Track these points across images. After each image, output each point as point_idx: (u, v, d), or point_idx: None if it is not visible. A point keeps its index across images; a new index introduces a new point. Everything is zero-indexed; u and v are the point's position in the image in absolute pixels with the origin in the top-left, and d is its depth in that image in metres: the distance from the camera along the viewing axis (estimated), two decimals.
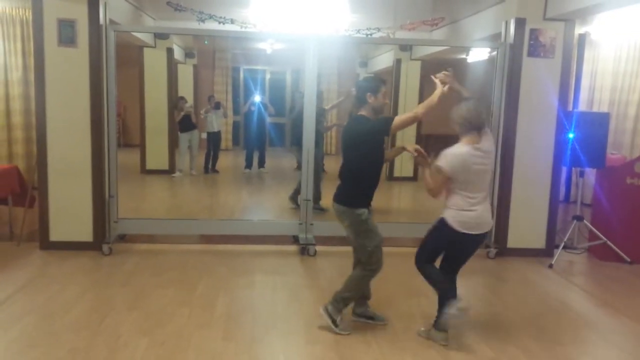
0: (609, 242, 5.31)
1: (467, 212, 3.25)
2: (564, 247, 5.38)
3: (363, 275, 3.51)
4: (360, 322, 3.64)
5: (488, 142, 3.31)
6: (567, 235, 5.46)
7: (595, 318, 4.00)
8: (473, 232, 3.27)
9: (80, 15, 4.83)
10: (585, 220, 5.53)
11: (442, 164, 3.21)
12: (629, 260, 5.26)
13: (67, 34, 4.85)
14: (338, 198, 3.47)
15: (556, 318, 3.95)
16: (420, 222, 5.57)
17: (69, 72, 4.89)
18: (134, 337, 3.34)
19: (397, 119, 3.32)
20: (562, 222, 6.07)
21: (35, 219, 5.23)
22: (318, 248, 5.25)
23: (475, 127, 3.24)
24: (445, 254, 3.50)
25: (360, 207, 3.41)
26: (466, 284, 4.61)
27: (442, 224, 3.32)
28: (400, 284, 4.43)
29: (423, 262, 3.47)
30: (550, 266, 5.10)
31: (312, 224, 5.37)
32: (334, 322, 3.48)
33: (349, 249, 5.35)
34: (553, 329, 3.74)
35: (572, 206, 7.13)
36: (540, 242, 5.42)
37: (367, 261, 3.47)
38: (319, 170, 6.98)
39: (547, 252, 5.37)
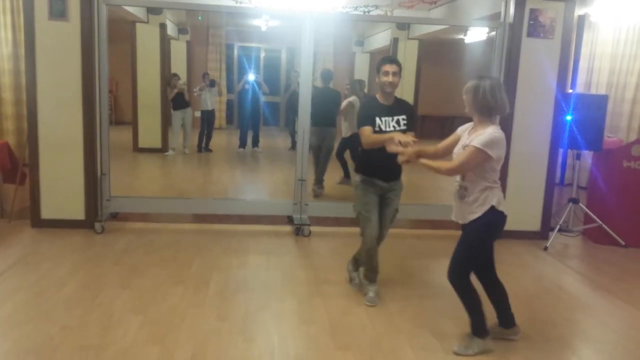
0: (604, 226, 5.31)
1: None
2: (560, 230, 5.38)
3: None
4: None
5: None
6: (563, 218, 5.46)
7: (589, 301, 4.01)
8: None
9: None
10: (580, 203, 5.53)
11: None
12: (623, 243, 5.27)
13: (57, 7, 4.73)
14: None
15: (550, 300, 3.95)
16: (415, 203, 5.57)
17: (60, 46, 4.78)
18: (127, 315, 3.32)
19: (361, 131, 3.53)
20: (558, 204, 6.07)
21: (26, 196, 5.16)
22: (312, 228, 5.22)
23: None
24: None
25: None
26: None
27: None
28: (396, 266, 4.42)
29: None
30: (546, 249, 5.11)
31: (306, 204, 5.34)
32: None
33: (344, 229, 5.41)
34: (547, 311, 3.75)
35: (567, 189, 7.13)
36: (535, 225, 5.42)
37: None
38: (330, 152, 6.95)
39: (542, 234, 5.37)
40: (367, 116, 3.55)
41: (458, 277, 3.04)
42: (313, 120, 5.46)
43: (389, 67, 3.51)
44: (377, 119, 3.55)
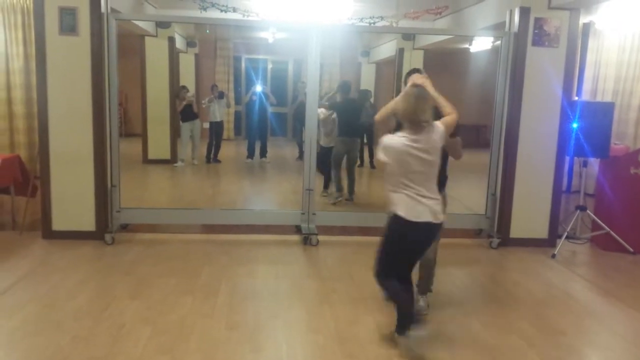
0: (612, 232, 5.29)
1: None
2: (567, 237, 5.38)
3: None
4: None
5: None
6: (570, 225, 5.45)
7: (598, 308, 3.99)
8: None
9: (81, 3, 4.79)
10: (588, 210, 5.52)
11: None
12: (632, 250, 5.25)
13: (68, 23, 4.82)
14: None
15: (559, 308, 3.95)
16: None
17: (71, 60, 4.86)
18: (137, 326, 3.35)
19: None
20: (565, 212, 6.06)
21: (37, 208, 5.23)
22: (320, 238, 5.24)
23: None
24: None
25: None
26: (469, 273, 4.62)
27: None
28: None
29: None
30: (553, 256, 5.09)
31: (314, 214, 5.37)
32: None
33: (351, 238, 5.43)
34: (555, 318, 3.74)
35: (574, 196, 7.10)
36: (543, 232, 5.41)
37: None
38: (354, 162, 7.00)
39: (550, 242, 5.36)
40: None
41: (376, 275, 3.18)
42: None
43: (414, 78, 3.48)
44: None
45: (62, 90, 4.89)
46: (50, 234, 5.05)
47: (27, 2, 6.72)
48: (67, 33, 4.82)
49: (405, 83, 3.56)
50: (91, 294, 3.85)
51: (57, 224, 5.05)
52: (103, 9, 4.89)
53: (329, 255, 4.97)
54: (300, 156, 9.59)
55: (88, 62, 4.87)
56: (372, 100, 9.47)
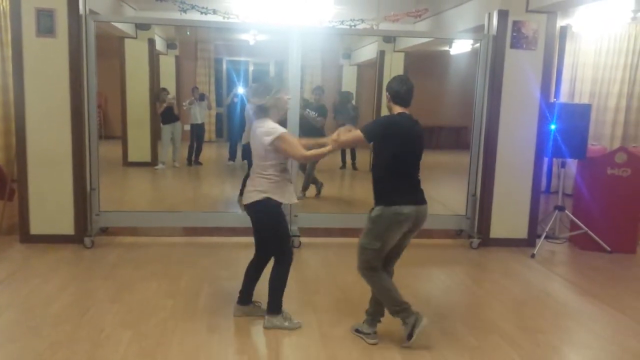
0: (589, 232, 5.38)
1: None
2: (546, 237, 5.45)
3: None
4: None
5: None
6: (549, 225, 5.53)
7: (576, 306, 4.05)
8: None
9: (59, 4, 4.74)
10: (566, 211, 5.60)
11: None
12: (609, 249, 5.34)
13: (45, 24, 4.75)
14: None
15: (538, 307, 4.00)
16: None
17: (48, 62, 4.80)
18: (117, 331, 3.31)
19: None
20: (544, 212, 6.14)
21: (14, 212, 5.15)
22: (302, 239, 5.24)
23: None
24: None
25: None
26: (449, 274, 4.66)
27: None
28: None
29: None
30: (533, 256, 5.16)
31: (296, 216, 5.36)
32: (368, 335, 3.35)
33: (334, 240, 5.43)
34: (535, 317, 3.79)
35: (553, 197, 7.21)
36: (522, 232, 5.48)
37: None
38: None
39: (529, 242, 5.43)
40: None
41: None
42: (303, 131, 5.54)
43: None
44: None
45: (40, 92, 4.82)
46: (28, 238, 4.97)
47: (4, 3, 6.62)
48: (45, 35, 4.76)
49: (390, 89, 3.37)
50: (70, 299, 3.80)
51: (35, 228, 4.97)
52: (81, 11, 4.83)
53: (312, 257, 4.97)
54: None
55: (66, 64, 4.81)
56: (353, 102, 9.52)
